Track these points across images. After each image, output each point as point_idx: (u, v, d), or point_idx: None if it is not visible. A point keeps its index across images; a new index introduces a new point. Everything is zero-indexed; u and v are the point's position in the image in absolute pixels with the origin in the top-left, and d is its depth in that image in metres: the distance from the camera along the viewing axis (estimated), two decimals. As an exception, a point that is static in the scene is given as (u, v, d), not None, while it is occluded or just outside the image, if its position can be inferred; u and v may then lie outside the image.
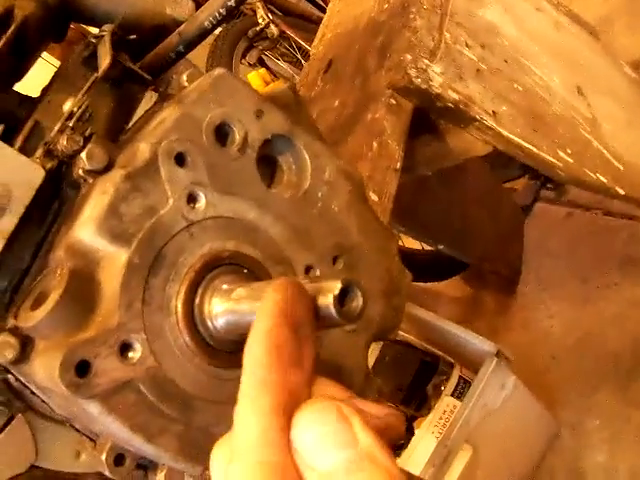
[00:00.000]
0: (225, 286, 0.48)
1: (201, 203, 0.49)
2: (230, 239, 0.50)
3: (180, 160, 0.49)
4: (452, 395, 1.86)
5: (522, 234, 2.33)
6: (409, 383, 1.99)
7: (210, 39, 2.24)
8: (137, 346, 0.46)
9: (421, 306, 2.62)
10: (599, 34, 2.63)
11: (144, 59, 0.66)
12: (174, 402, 0.47)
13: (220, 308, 0.46)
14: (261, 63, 2.54)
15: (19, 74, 0.66)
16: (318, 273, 0.55)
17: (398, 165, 0.91)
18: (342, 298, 0.36)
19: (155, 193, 0.47)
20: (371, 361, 2.13)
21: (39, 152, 0.53)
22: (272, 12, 2.57)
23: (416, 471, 1.55)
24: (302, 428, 0.32)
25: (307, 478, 0.32)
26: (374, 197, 0.85)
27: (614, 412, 1.81)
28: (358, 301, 0.37)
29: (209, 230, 0.49)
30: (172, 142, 0.48)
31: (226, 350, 0.49)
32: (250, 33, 2.31)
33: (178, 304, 0.47)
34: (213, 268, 0.49)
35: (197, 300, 0.48)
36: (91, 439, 0.57)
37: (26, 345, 0.48)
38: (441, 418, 1.80)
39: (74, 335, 0.46)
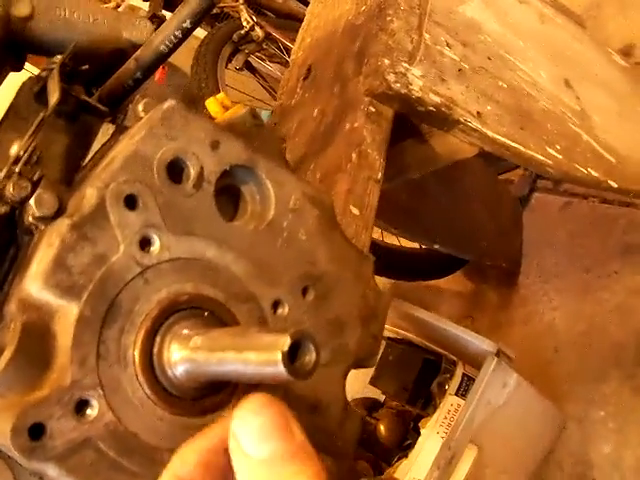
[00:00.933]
0: (185, 331, 0.46)
1: (155, 246, 0.47)
2: (188, 281, 0.48)
3: (130, 203, 0.46)
4: (456, 394, 1.84)
5: (521, 226, 2.30)
6: (413, 382, 1.97)
7: (194, 45, 2.21)
8: (94, 402, 0.44)
9: (422, 303, 2.61)
10: (588, 20, 2.59)
11: (102, 88, 0.64)
12: (137, 456, 0.45)
13: (178, 356, 0.44)
14: (248, 67, 2.50)
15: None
16: (287, 308, 0.52)
17: (379, 175, 0.88)
18: (293, 353, 0.34)
19: (105, 240, 0.45)
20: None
21: (-11, 198, 0.51)
22: (258, 13, 2.54)
23: (422, 473, 1.54)
24: (243, 418, 0.34)
25: (240, 465, 0.34)
26: (355, 211, 0.83)
27: (620, 402, 1.79)
28: (310, 356, 0.35)
29: (165, 274, 0.47)
30: (120, 184, 0.46)
31: (189, 398, 0.47)
32: (235, 37, 2.27)
33: (135, 355, 0.45)
34: (171, 314, 0.46)
35: (155, 349, 0.45)
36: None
37: (-17, 402, 0.46)
38: (446, 417, 1.79)
39: (29, 393, 0.44)
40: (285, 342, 0.34)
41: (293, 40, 1.36)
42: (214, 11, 2.54)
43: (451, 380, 1.84)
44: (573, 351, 2.03)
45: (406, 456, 1.86)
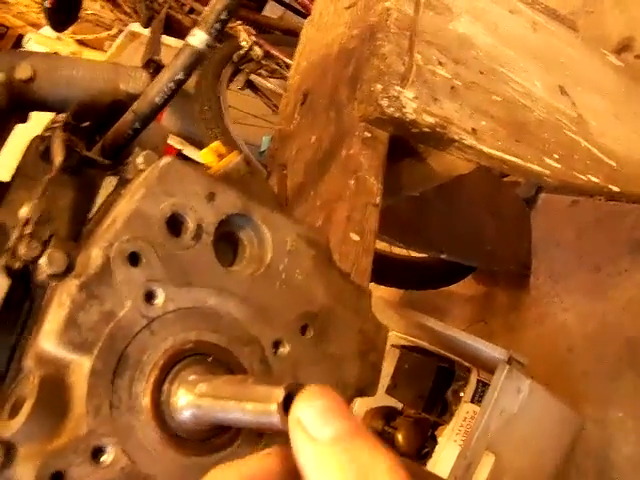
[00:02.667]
0: (192, 377, 0.49)
1: (159, 299, 0.50)
2: (192, 329, 0.51)
3: (134, 260, 0.49)
4: (472, 401, 1.86)
5: (529, 227, 2.31)
6: (429, 390, 1.99)
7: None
8: (109, 449, 0.47)
9: (435, 308, 2.62)
10: (585, 16, 2.60)
11: (104, 138, 0.67)
12: (153, 497, 0.48)
13: (184, 401, 0.47)
14: (250, 86, 2.54)
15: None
16: (287, 347, 0.55)
17: (377, 200, 0.91)
18: (288, 404, 0.37)
19: (112, 297, 0.48)
20: (390, 370, 2.13)
21: (4, 257, 0.54)
22: (257, 30, 2.57)
23: (441, 482, 1.56)
24: (305, 403, 0.36)
25: (307, 451, 0.35)
26: (355, 237, 0.85)
27: (637, 400, 1.80)
28: (304, 405, 0.37)
29: (170, 324, 0.50)
30: (123, 243, 0.49)
31: (198, 439, 0.49)
32: (235, 57, 2.31)
33: (146, 402, 0.48)
34: (178, 361, 0.49)
35: (164, 395, 0.48)
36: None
37: (9, 451, 0.49)
38: (462, 425, 1.80)
39: (48, 442, 0.47)
40: (279, 394, 0.36)
41: (292, 55, 1.39)
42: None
43: (466, 387, 1.86)
44: (587, 351, 2.04)
45: (424, 464, 1.87)
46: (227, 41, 2.40)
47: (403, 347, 2.12)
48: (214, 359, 0.51)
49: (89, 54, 3.63)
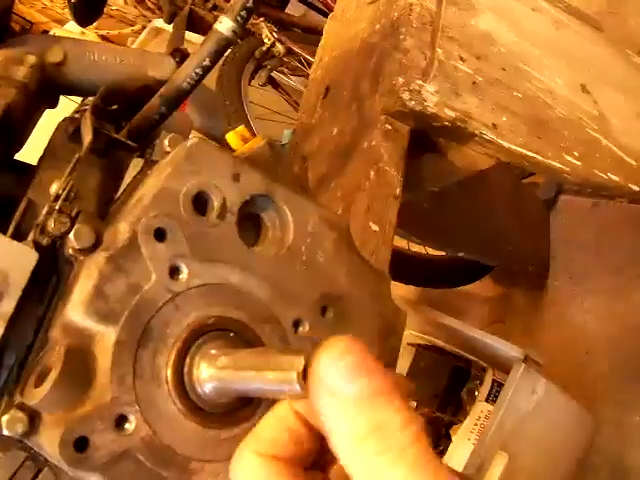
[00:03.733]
0: (213, 351, 0.50)
1: (183, 274, 0.51)
2: (214, 305, 0.52)
3: (160, 235, 0.51)
4: (487, 400, 1.85)
5: (548, 229, 2.30)
6: (443, 389, 1.99)
7: (218, 64, 2.27)
8: (131, 417, 0.48)
9: (452, 308, 2.62)
10: (608, 17, 2.59)
11: (131, 122, 0.69)
12: (172, 466, 0.50)
13: (207, 375, 0.48)
14: (271, 82, 2.56)
15: (15, 149, 0.69)
16: (307, 326, 0.56)
17: (398, 191, 0.92)
18: (307, 373, 0.38)
19: (138, 271, 0.50)
20: (405, 368, 2.14)
21: (33, 233, 0.56)
22: (279, 28, 2.59)
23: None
24: (328, 360, 0.35)
25: (327, 406, 0.34)
26: (375, 227, 0.86)
27: (655, 405, 1.79)
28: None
29: (193, 299, 0.51)
30: (150, 219, 0.50)
31: (218, 411, 0.51)
32: (257, 54, 2.33)
33: (168, 374, 0.49)
34: (200, 335, 0.51)
35: (186, 368, 0.50)
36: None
37: (34, 418, 0.50)
38: (476, 424, 1.80)
39: (74, 409, 0.48)
40: (300, 363, 0.37)
41: (314, 53, 1.40)
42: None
43: (481, 386, 1.86)
44: (605, 353, 2.02)
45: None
46: (249, 38, 2.42)
47: (419, 346, 2.13)
48: (235, 335, 0.52)
49: (112, 50, 3.66)
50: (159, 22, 3.06)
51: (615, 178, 1.28)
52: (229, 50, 2.43)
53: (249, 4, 0.62)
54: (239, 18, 0.63)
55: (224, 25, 0.64)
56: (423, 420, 0.34)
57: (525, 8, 1.40)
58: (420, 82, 1.03)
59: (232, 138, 0.60)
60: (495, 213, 1.92)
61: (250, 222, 0.59)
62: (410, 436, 0.32)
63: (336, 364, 0.35)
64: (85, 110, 0.62)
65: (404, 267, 2.00)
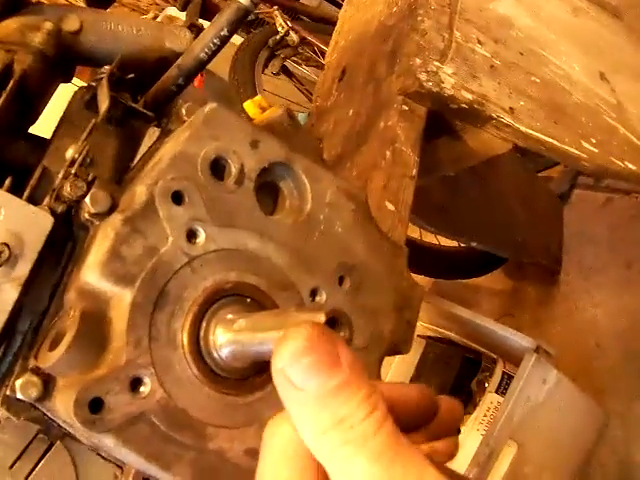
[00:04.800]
0: (229, 316, 0.49)
1: (201, 238, 0.51)
2: (232, 270, 0.51)
3: (177, 198, 0.50)
4: (496, 391, 1.84)
5: (561, 223, 2.29)
6: (453, 381, 1.98)
7: (231, 51, 2.26)
8: (147, 380, 0.48)
9: (463, 301, 2.60)
10: (628, 9, 2.56)
11: (147, 94, 0.68)
12: (187, 430, 0.49)
13: (223, 339, 0.48)
14: (285, 71, 2.55)
15: (30, 120, 0.68)
16: (324, 295, 0.55)
17: (414, 172, 0.91)
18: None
19: (155, 233, 0.49)
20: (415, 360, 2.13)
21: (48, 198, 0.55)
22: (293, 18, 2.58)
23: (462, 470, 1.55)
24: (289, 357, 0.34)
25: (290, 399, 0.34)
26: (390, 206, 0.85)
27: (665, 400, 1.78)
28: (345, 332, 0.38)
29: (210, 263, 0.51)
30: (168, 182, 0.50)
31: (235, 377, 0.50)
32: (270, 42, 2.32)
33: (184, 337, 0.49)
34: (216, 300, 0.50)
35: (202, 332, 0.49)
36: (118, 465, 0.59)
37: (48, 383, 0.50)
38: (485, 415, 1.79)
39: (89, 372, 0.48)
40: (320, 318, 0.37)
41: (328, 43, 1.39)
42: (249, 17, 2.60)
43: (491, 378, 1.85)
44: (615, 347, 2.01)
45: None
46: (263, 26, 2.41)
47: (429, 337, 2.12)
48: (252, 300, 0.51)
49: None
50: (172, 10, 3.06)
51: (632, 167, 1.26)
52: (243, 39, 2.43)
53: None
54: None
55: (243, -5, 0.63)
56: (385, 406, 0.33)
57: (543, -7, 1.38)
58: (437, 64, 1.02)
59: (250, 107, 0.59)
60: (509, 205, 1.90)
61: (268, 192, 0.58)
62: (373, 424, 0.32)
63: (297, 361, 0.33)
64: (102, 78, 0.62)
65: (415, 257, 1.99)
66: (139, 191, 0.50)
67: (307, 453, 0.34)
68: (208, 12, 2.92)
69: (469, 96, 1.02)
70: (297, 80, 2.65)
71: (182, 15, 2.76)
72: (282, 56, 2.40)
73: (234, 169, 0.53)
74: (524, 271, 2.45)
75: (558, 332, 2.24)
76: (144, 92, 0.71)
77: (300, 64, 2.61)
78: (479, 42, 1.11)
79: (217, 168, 0.53)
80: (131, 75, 0.64)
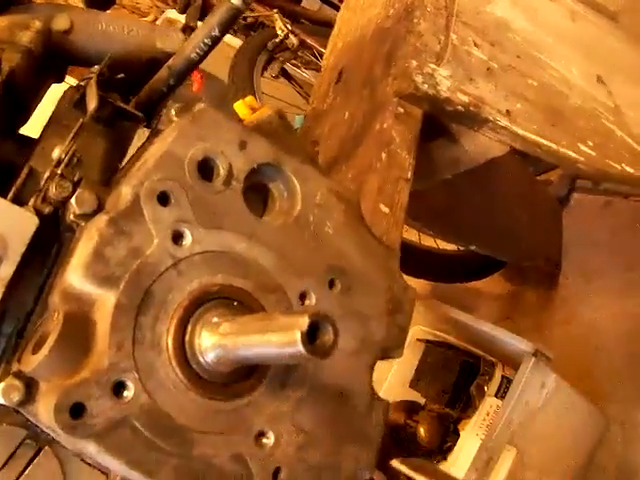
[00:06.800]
0: (215, 319, 0.48)
1: (187, 240, 0.50)
2: (218, 273, 0.50)
3: (163, 199, 0.49)
4: (496, 395, 1.83)
5: (560, 226, 2.27)
6: (453, 385, 1.97)
7: (231, 54, 2.25)
8: (130, 384, 0.47)
9: (462, 305, 2.59)
10: (626, 13, 2.54)
11: (139, 94, 0.67)
12: (171, 436, 0.48)
13: (209, 343, 0.47)
14: (284, 74, 2.54)
15: (20, 120, 0.68)
16: (314, 299, 0.55)
17: (409, 175, 0.90)
18: (312, 333, 0.36)
19: (140, 234, 0.48)
20: (414, 363, 2.12)
21: (34, 199, 0.54)
22: (292, 21, 2.57)
23: (461, 474, 1.54)
24: None
25: None
26: (385, 209, 0.84)
27: (665, 405, 1.76)
28: (329, 335, 0.37)
29: (196, 266, 0.50)
30: (154, 182, 0.49)
31: (220, 382, 0.49)
32: (270, 45, 2.31)
33: (168, 341, 0.48)
34: (202, 303, 0.49)
35: (187, 336, 0.48)
36: (103, 472, 0.58)
37: (31, 387, 0.49)
38: (485, 419, 1.78)
39: (72, 376, 0.47)
40: (304, 322, 0.36)
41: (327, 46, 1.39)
42: (249, 20, 2.59)
43: (490, 382, 1.84)
44: (615, 351, 2.00)
45: (445, 459, 1.86)
46: (262, 29, 2.41)
47: (428, 342, 2.11)
48: (239, 304, 0.50)
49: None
50: (172, 13, 3.05)
51: (629, 170, 1.26)
52: (242, 42, 2.42)
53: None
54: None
55: (234, -6, 0.62)
56: None
57: (541, -4, 1.37)
58: (433, 66, 1.01)
59: (240, 107, 0.59)
60: (508, 208, 1.89)
61: (258, 193, 0.58)
62: None
63: None
64: (91, 78, 0.61)
65: (415, 261, 1.98)
66: (124, 192, 0.49)
67: None
68: (207, 15, 2.92)
69: (465, 98, 1.01)
70: (296, 83, 2.65)
71: (182, 18, 2.76)
72: (281, 59, 2.39)
73: (222, 170, 0.52)
74: (523, 275, 2.44)
75: (558, 336, 2.23)
76: (136, 92, 0.70)
77: (299, 67, 2.60)
78: (475, 45, 1.11)
79: (205, 169, 0.52)
80: (121, 75, 0.63)
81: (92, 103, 0.58)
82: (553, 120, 1.14)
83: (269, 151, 0.55)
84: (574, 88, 1.25)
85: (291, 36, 2.40)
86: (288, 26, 2.42)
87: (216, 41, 0.65)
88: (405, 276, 1.88)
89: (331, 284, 0.57)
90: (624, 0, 2.17)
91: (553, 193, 2.36)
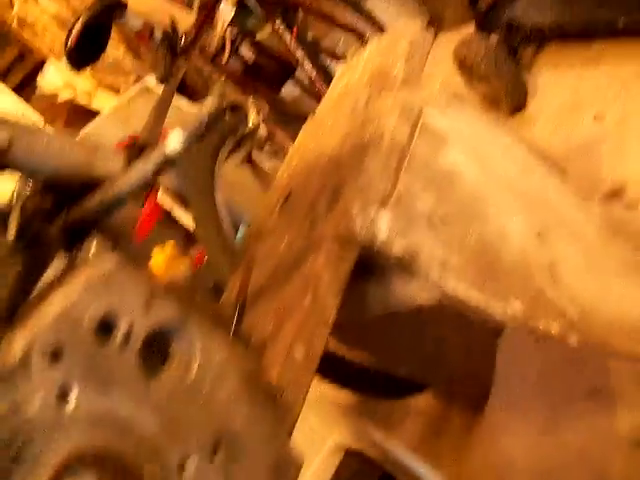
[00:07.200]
0: (85, 486, 0.48)
1: (71, 400, 0.50)
2: (98, 436, 0.50)
3: (55, 356, 0.49)
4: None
5: (494, 354, 2.31)
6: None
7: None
8: None
9: (387, 417, 2.58)
10: (582, 156, 2.66)
11: (66, 218, 0.68)
12: None
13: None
14: (250, 161, 2.57)
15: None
16: (192, 469, 0.54)
17: (330, 320, 0.91)
18: None
19: (24, 390, 0.48)
20: (330, 473, 2.08)
21: None
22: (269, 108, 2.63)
23: None
24: None
25: None
26: (299, 355, 0.85)
27: None
28: None
29: (77, 428, 0.50)
30: (48, 337, 0.49)
31: None
32: (238, 135, 2.35)
33: (33, 505, 0.47)
34: (76, 468, 0.49)
35: (53, 500, 0.47)
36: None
37: None
38: None
39: None
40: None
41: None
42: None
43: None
44: (527, 492, 2.01)
45: None
46: (233, 114, 2.45)
47: (347, 450, 2.08)
48: (115, 470, 0.50)
49: (102, 94, 3.68)
50: (151, 81, 3.10)
51: (556, 328, 1.29)
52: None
53: (200, 134, 0.63)
54: (185, 143, 0.64)
55: (171, 143, 0.65)
56: None
57: (497, 149, 1.44)
58: (375, 211, 1.04)
59: (157, 255, 0.60)
60: (442, 336, 1.91)
61: (158, 347, 0.58)
62: None
63: None
64: (17, 201, 0.62)
65: (340, 370, 1.97)
66: (16, 345, 0.49)
67: None
68: (186, 87, 2.98)
69: (401, 248, 1.04)
70: (261, 172, 2.68)
71: (159, 89, 2.81)
72: (247, 148, 2.43)
73: (122, 330, 0.53)
74: (452, 395, 2.45)
75: (477, 463, 2.23)
76: (68, 209, 0.71)
77: (267, 156, 2.65)
78: (420, 193, 1.14)
79: (105, 326, 0.53)
80: (47, 205, 0.64)
81: (11, 231, 0.58)
82: (485, 276, 1.17)
83: (175, 313, 0.56)
84: (512, 243, 1.29)
85: (262, 126, 2.44)
86: (261, 115, 2.47)
87: (147, 184, 0.66)
88: (330, 384, 1.85)
89: (215, 450, 0.57)
90: (575, 155, 2.30)
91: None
